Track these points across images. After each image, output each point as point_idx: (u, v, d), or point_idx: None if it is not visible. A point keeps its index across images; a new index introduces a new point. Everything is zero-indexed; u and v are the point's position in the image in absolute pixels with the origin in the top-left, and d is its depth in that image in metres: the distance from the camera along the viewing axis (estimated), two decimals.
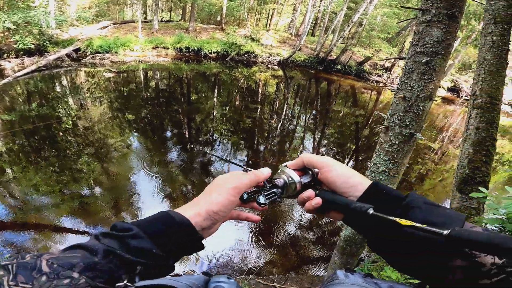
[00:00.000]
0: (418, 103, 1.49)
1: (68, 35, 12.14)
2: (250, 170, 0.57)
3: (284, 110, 9.21)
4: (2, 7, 10.59)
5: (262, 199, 0.51)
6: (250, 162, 5.67)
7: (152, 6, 15.92)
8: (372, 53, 14.88)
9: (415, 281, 0.46)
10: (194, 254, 2.59)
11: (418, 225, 0.40)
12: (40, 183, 4.14)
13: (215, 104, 8.85)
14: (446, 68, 1.52)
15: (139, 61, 12.27)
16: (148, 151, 5.45)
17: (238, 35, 14.91)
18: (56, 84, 8.97)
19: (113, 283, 0.36)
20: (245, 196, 0.52)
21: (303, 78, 13.88)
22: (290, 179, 0.53)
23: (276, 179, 0.54)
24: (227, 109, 8.54)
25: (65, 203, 3.82)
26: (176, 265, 0.47)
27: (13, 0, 10.39)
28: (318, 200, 0.51)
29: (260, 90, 11.08)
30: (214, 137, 6.52)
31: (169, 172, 4.81)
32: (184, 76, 11.66)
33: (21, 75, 8.70)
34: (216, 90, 10.41)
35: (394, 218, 0.42)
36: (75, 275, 0.34)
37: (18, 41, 9.64)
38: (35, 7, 10.51)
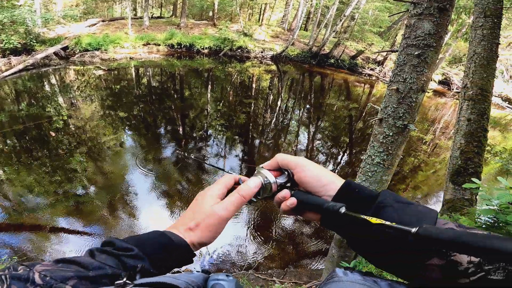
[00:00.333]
0: (411, 95, 1.50)
1: (55, 33, 11.86)
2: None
3: (278, 104, 9.21)
4: None
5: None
6: (243, 164, 5.67)
7: (142, 2, 15.64)
8: (364, 47, 14.94)
9: None
10: None
11: (388, 223, 0.40)
12: (33, 183, 4.07)
13: (209, 100, 8.80)
14: (437, 61, 1.53)
15: (130, 58, 12.07)
16: (141, 149, 5.40)
17: (230, 31, 14.78)
18: (45, 83, 8.77)
19: None
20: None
21: (297, 73, 13.88)
22: (265, 179, 0.52)
23: None
24: (221, 104, 8.50)
25: (59, 203, 3.77)
26: None
27: None
28: (293, 200, 0.50)
29: (254, 85, 11.04)
30: (208, 133, 6.50)
31: (163, 169, 4.78)
32: (176, 72, 11.54)
33: (9, 75, 8.48)
34: (209, 86, 10.34)
35: (365, 217, 0.42)
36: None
37: (4, 40, 9.42)
38: (20, 5, 10.25)
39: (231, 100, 9.03)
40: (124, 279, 0.36)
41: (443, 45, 1.56)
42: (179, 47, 13.49)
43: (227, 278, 0.40)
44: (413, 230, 0.37)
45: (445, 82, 15.00)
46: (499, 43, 2.69)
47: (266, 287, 2.70)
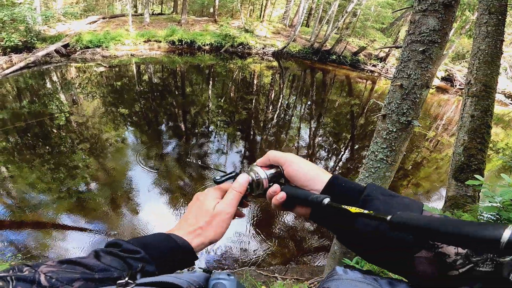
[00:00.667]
0: (415, 91, 1.49)
1: (56, 31, 11.83)
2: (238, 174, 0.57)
3: (280, 100, 9.18)
4: None
5: None
6: (244, 160, 5.68)
7: None
8: (366, 44, 14.83)
9: None
10: None
11: (366, 211, 0.41)
12: (36, 180, 4.10)
13: (210, 96, 8.78)
14: (441, 57, 1.52)
15: (131, 55, 12.05)
16: (143, 145, 5.41)
17: (231, 27, 14.69)
18: (47, 80, 8.78)
19: None
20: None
21: (298, 69, 13.82)
22: (256, 175, 0.54)
23: None
24: (222, 101, 8.48)
25: (61, 200, 3.79)
26: None
27: None
28: (282, 195, 0.52)
29: (255, 81, 11.01)
30: (209, 129, 6.49)
31: (165, 166, 4.79)
32: (177, 69, 11.51)
33: (10, 73, 8.50)
34: (210, 82, 10.31)
35: (345, 206, 0.43)
36: None
37: (4, 38, 9.42)
38: (20, 3, 10.23)
39: (233, 97, 9.01)
40: (126, 279, 0.36)
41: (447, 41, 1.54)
42: (180, 43, 13.44)
43: (228, 278, 0.40)
44: (388, 217, 0.38)
45: (448, 79, 14.90)
46: (504, 40, 2.66)
47: (268, 283, 2.72)
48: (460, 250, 0.37)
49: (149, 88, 8.99)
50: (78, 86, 8.35)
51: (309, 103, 9.63)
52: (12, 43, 9.48)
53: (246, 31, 14.77)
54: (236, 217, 0.57)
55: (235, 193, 0.54)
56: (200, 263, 3.13)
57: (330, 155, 6.30)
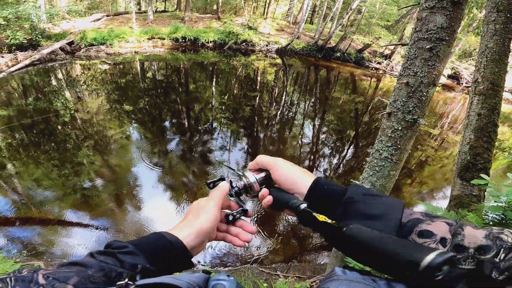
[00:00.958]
0: (421, 89, 1.47)
1: (60, 28, 11.90)
2: (243, 174, 0.61)
3: (284, 98, 9.15)
4: None
5: (230, 217, 0.58)
6: (248, 156, 5.67)
7: None
8: (371, 41, 14.69)
9: None
10: None
11: (329, 221, 0.44)
12: (41, 177, 4.14)
13: (214, 93, 8.78)
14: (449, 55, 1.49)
15: (135, 52, 12.08)
16: (147, 142, 5.44)
17: (235, 24, 14.64)
18: (52, 77, 8.84)
19: None
20: (230, 218, 0.58)
21: (302, 66, 13.74)
22: (247, 180, 0.58)
23: (237, 182, 0.61)
24: (226, 97, 8.47)
25: (67, 196, 3.83)
26: None
27: None
28: (269, 198, 0.55)
29: (259, 79, 10.98)
30: (213, 126, 6.50)
31: (169, 162, 4.81)
32: (181, 66, 11.52)
33: (15, 70, 8.56)
34: (214, 79, 10.31)
35: (315, 214, 0.46)
36: (70, 287, 0.35)
37: (9, 36, 9.49)
38: (24, 1, 10.31)
39: (236, 94, 9.00)
40: (126, 280, 0.37)
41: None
42: (183, 41, 13.44)
43: (228, 279, 0.41)
44: (344, 229, 0.40)
45: (454, 77, 14.73)
46: None
47: (270, 281, 2.72)
48: (441, 248, 0.39)
49: (153, 85, 9.01)
50: (83, 83, 8.41)
51: (313, 100, 9.58)
52: (17, 41, 9.54)
53: (250, 28, 14.70)
54: (228, 210, 0.61)
55: (220, 191, 0.58)
56: (202, 260, 3.15)
57: (333, 153, 6.27)
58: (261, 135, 6.55)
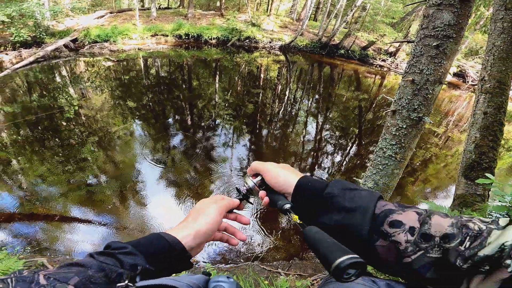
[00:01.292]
0: (427, 87, 1.45)
1: (64, 25, 11.92)
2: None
3: (287, 94, 9.11)
4: None
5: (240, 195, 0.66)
6: (250, 153, 5.67)
7: None
8: (376, 38, 14.53)
9: None
10: None
11: (298, 221, 0.48)
12: (45, 173, 4.17)
13: (217, 90, 8.77)
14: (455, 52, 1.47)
15: (138, 49, 12.09)
16: (150, 138, 5.45)
17: (238, 21, 14.57)
18: (56, 74, 8.89)
19: None
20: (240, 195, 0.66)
21: (306, 63, 13.66)
22: (246, 185, 0.65)
23: (241, 187, 0.67)
24: (229, 94, 8.46)
25: (70, 192, 3.86)
26: None
27: None
28: (266, 199, 0.60)
29: (262, 75, 10.93)
30: (216, 123, 6.50)
31: (172, 159, 4.82)
32: (184, 62, 11.51)
33: (20, 67, 8.61)
34: (217, 76, 10.29)
35: (292, 214, 0.50)
36: (70, 287, 0.36)
37: (13, 33, 9.53)
38: None
39: (239, 90, 8.98)
40: (126, 281, 0.38)
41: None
42: (186, 37, 13.41)
43: (227, 280, 0.41)
44: (302, 229, 0.44)
45: (460, 75, 14.55)
46: None
47: (271, 278, 2.73)
48: (410, 237, 0.39)
49: (156, 82, 9.02)
50: (87, 80, 8.43)
51: (316, 97, 9.53)
52: (21, 38, 9.59)
53: (253, 25, 14.63)
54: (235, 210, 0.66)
55: (231, 201, 0.63)
56: (204, 257, 3.16)
57: (337, 150, 6.24)
58: (264, 132, 6.54)
